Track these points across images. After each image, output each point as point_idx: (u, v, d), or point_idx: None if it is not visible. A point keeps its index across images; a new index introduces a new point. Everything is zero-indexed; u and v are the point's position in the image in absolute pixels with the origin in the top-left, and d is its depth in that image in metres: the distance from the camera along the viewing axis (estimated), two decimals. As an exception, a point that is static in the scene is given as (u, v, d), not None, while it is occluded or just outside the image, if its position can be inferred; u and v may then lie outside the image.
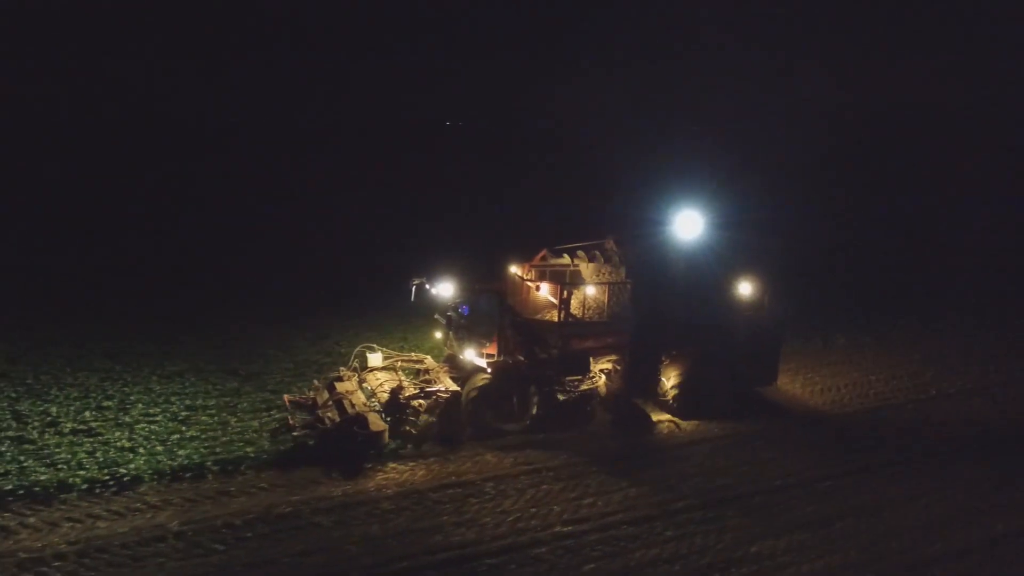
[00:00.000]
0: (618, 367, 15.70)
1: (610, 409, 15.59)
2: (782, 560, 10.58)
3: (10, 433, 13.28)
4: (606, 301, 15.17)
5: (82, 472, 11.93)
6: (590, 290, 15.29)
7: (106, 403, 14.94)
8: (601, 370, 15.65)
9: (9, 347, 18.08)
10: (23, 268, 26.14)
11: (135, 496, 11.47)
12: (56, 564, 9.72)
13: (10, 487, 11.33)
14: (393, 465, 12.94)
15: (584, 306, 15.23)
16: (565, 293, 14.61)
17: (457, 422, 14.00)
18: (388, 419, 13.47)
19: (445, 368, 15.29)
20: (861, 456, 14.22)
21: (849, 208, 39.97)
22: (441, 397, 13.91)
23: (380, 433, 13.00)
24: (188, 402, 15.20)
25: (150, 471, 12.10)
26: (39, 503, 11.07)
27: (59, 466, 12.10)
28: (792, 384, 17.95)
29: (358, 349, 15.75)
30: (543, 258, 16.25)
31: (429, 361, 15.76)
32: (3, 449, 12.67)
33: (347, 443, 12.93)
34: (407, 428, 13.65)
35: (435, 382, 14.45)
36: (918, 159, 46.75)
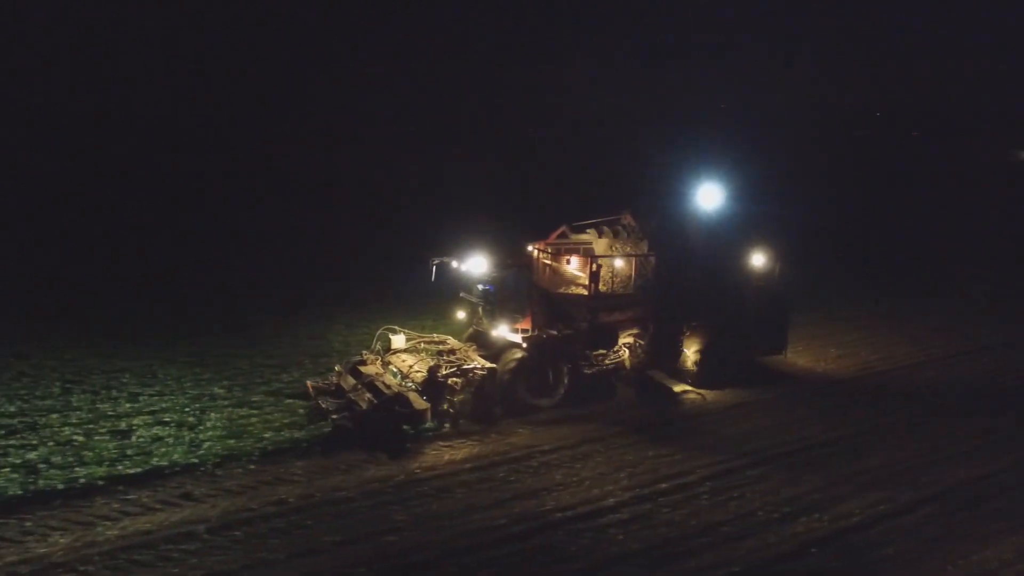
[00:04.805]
0: (640, 340, 15.80)
1: (632, 382, 15.67)
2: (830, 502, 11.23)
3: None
4: (632, 275, 15.26)
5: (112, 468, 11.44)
6: (617, 263, 15.34)
7: (120, 397, 14.31)
8: (624, 344, 15.74)
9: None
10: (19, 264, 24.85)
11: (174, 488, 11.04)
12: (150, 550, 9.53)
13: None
14: (436, 445, 12.79)
15: (611, 280, 15.27)
16: (595, 267, 14.62)
17: (491, 399, 13.89)
18: (426, 398, 13.26)
19: (472, 347, 15.12)
20: (880, 416, 14.86)
21: (861, 189, 41.15)
22: (477, 374, 13.76)
23: (423, 411, 12.78)
24: (209, 394, 14.67)
25: (183, 463, 11.66)
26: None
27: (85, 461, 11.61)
28: (801, 355, 18.38)
29: (380, 332, 15.42)
30: (562, 235, 16.23)
31: (452, 341, 15.54)
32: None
33: (387, 424, 12.69)
34: (445, 407, 13.46)
35: (466, 361, 14.27)
36: (936, 147, 48.51)
